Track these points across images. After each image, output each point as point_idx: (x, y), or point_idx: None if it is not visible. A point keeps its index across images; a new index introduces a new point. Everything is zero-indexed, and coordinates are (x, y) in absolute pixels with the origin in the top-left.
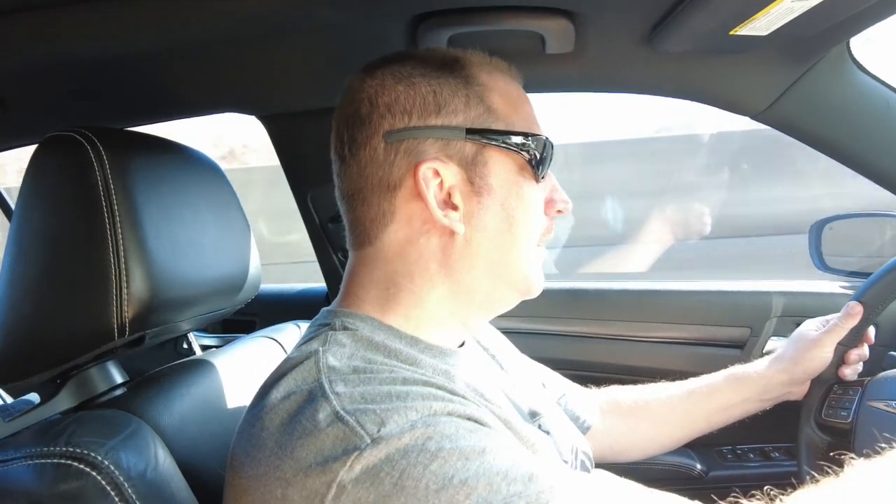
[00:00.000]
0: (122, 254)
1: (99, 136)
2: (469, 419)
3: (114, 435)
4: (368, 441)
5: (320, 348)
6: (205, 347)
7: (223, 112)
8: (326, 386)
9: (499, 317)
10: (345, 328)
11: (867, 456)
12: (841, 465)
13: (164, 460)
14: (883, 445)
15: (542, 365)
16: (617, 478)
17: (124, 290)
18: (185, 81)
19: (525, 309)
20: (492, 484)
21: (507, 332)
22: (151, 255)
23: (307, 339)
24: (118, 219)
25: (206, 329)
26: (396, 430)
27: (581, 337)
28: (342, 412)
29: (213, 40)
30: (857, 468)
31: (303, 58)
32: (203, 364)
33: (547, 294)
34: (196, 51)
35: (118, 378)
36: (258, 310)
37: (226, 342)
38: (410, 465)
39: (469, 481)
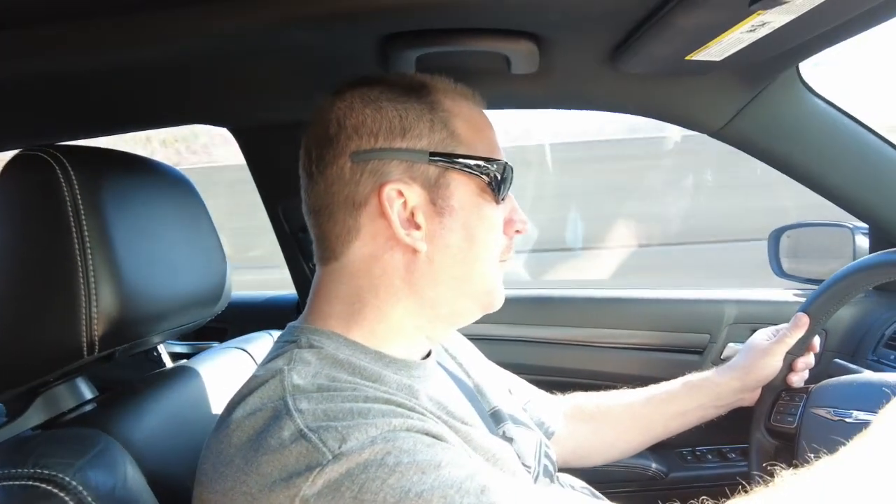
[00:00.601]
0: (91, 272)
1: (67, 154)
2: (427, 434)
3: (82, 454)
4: (330, 457)
5: (285, 367)
6: (176, 355)
7: (195, 123)
8: (291, 404)
9: None
10: (310, 346)
11: (804, 462)
12: (788, 467)
13: (132, 477)
14: (812, 455)
15: (507, 371)
16: (572, 491)
17: (94, 308)
18: (156, 94)
19: (492, 315)
20: (446, 496)
21: (474, 338)
22: (121, 273)
23: (273, 357)
24: (87, 237)
25: (178, 337)
26: (357, 446)
27: (546, 343)
28: (305, 429)
29: (186, 57)
30: (785, 478)
31: (275, 74)
32: (173, 377)
33: (513, 301)
34: (169, 65)
35: (87, 394)
36: (230, 317)
37: (197, 350)
38: (369, 480)
39: (424, 494)
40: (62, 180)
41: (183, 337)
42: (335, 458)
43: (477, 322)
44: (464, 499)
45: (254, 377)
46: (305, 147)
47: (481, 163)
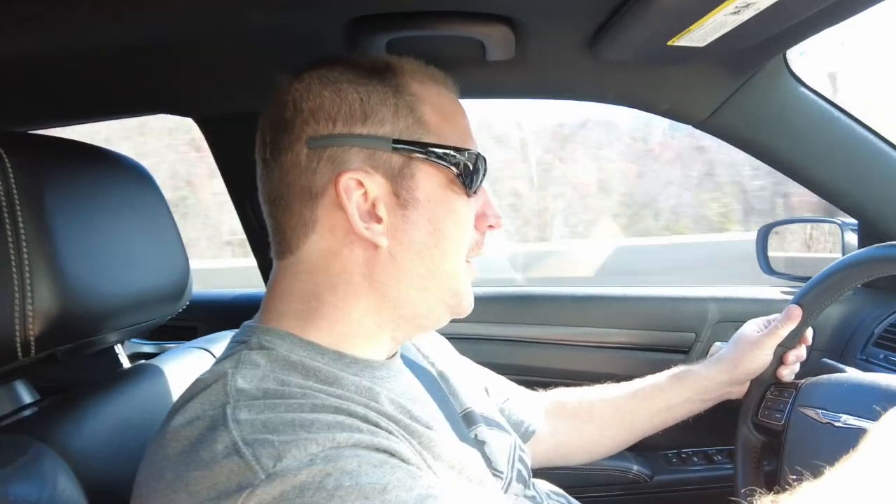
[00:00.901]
0: (25, 266)
1: (3, 140)
2: (377, 450)
3: (7, 463)
4: (263, 477)
5: (230, 370)
6: (142, 356)
7: (156, 113)
8: (229, 413)
9: None
10: (261, 347)
11: (790, 474)
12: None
13: (65, 489)
14: (799, 468)
15: (486, 369)
16: None
17: (28, 306)
18: (113, 81)
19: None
20: None
21: (453, 337)
22: (61, 268)
23: (222, 358)
24: (21, 228)
25: (145, 336)
26: (294, 465)
27: (528, 342)
28: (240, 443)
29: (144, 41)
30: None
31: (237, 59)
32: (126, 380)
33: (494, 298)
34: (124, 51)
35: (26, 398)
36: (200, 315)
37: (163, 350)
38: None
39: None
40: None
41: (152, 336)
42: (268, 479)
43: (458, 321)
44: None
45: (198, 381)
46: (261, 132)
47: (450, 152)
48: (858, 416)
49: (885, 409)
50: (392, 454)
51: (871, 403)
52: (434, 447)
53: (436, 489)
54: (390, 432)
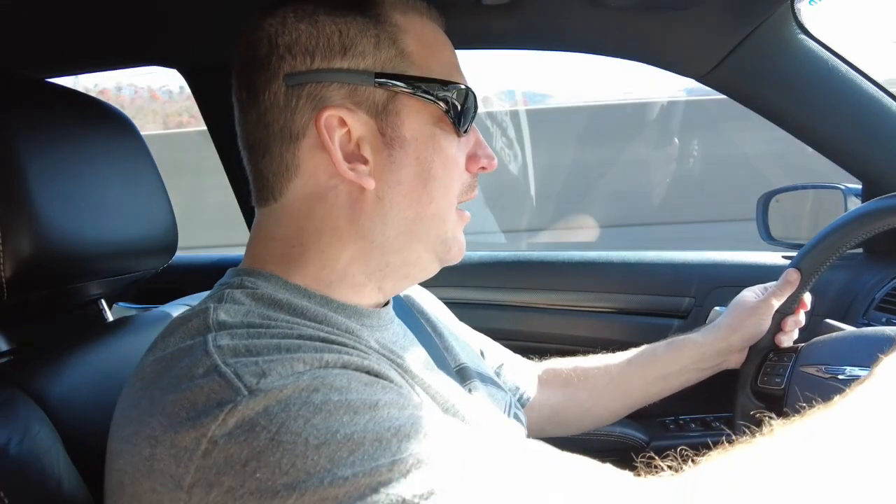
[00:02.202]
0: None
1: None
2: (367, 372)
3: None
4: (245, 393)
5: (212, 305)
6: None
7: (139, 65)
8: (210, 340)
9: (440, 286)
10: (243, 286)
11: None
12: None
13: (39, 434)
14: (804, 405)
15: (482, 334)
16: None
17: (0, 248)
18: (95, 32)
19: (466, 279)
20: (381, 440)
21: (449, 302)
22: (35, 210)
23: (204, 299)
24: None
25: (132, 300)
26: (278, 382)
27: (524, 307)
28: (221, 365)
29: None
30: (772, 430)
31: (221, 7)
32: (108, 331)
33: (491, 263)
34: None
35: (1, 346)
36: (186, 278)
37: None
38: (290, 419)
39: (355, 436)
40: None
41: (138, 300)
42: (251, 394)
43: (451, 286)
44: (403, 443)
45: (177, 317)
46: (235, 73)
47: (436, 86)
48: (864, 367)
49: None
50: (382, 377)
51: (876, 352)
52: (428, 388)
53: (430, 412)
54: (380, 362)
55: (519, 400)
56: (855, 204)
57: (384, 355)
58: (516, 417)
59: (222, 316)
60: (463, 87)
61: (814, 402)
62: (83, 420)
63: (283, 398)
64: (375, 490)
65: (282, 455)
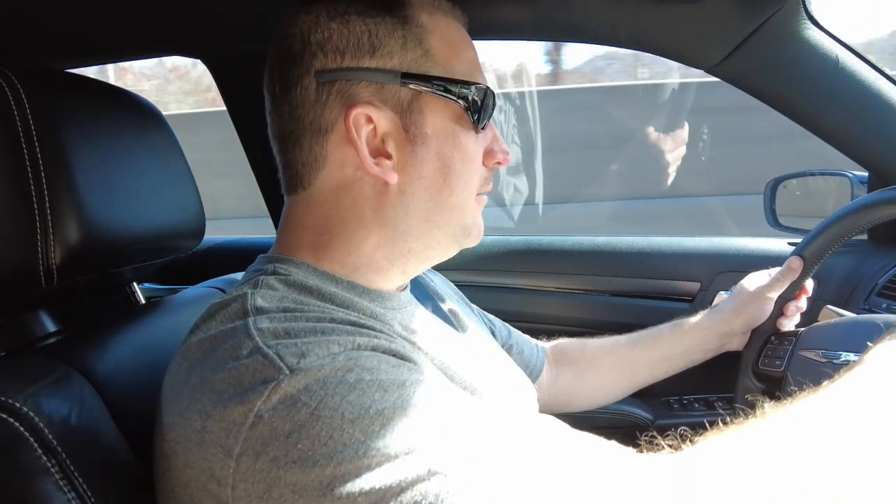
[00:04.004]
0: (46, 197)
1: (18, 73)
2: (394, 355)
3: (37, 381)
4: (287, 372)
5: (249, 291)
6: (152, 297)
7: (163, 55)
8: (251, 323)
9: (452, 269)
10: (276, 273)
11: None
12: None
13: (92, 406)
14: (796, 389)
15: (492, 315)
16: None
17: (51, 235)
18: (120, 21)
19: (477, 263)
20: (408, 416)
21: (462, 285)
22: (81, 199)
23: (239, 284)
24: (41, 161)
25: (157, 281)
26: (317, 362)
27: (533, 290)
28: (263, 346)
29: None
30: (767, 411)
31: None
32: (144, 312)
33: (500, 247)
34: None
35: (51, 327)
36: (212, 261)
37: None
38: (328, 396)
39: (386, 412)
40: (11, 98)
41: (163, 281)
42: (292, 373)
43: (462, 269)
44: (428, 418)
45: (216, 303)
46: (269, 66)
47: (458, 87)
48: (858, 353)
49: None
50: (408, 359)
51: (871, 337)
52: (447, 369)
53: (451, 390)
54: (405, 346)
55: (528, 378)
56: (862, 192)
57: (406, 338)
58: (527, 394)
59: (259, 301)
60: (483, 86)
61: (808, 386)
62: (127, 394)
63: (322, 377)
64: (405, 459)
65: (321, 428)
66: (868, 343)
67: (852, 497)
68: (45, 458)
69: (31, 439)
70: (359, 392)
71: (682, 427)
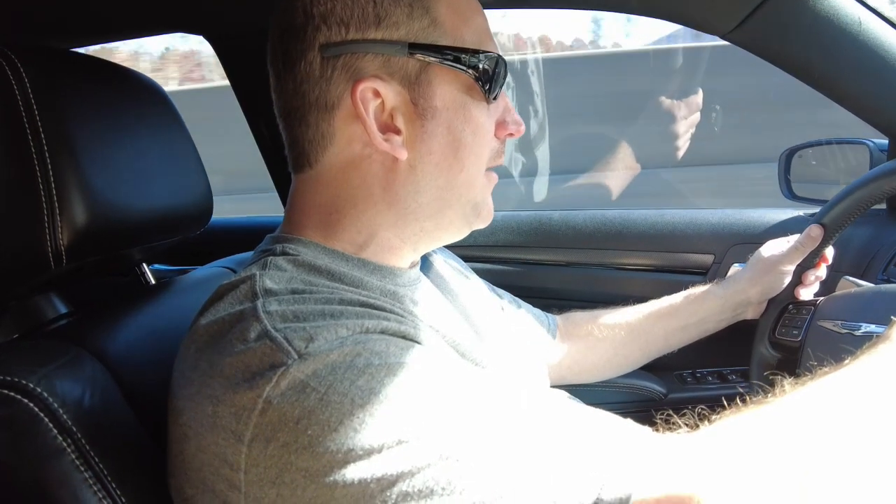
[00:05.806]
0: (51, 178)
1: (18, 53)
2: (404, 337)
3: (49, 362)
4: (296, 357)
5: (258, 272)
6: (161, 278)
7: (166, 32)
8: (259, 306)
9: (461, 245)
10: (285, 253)
11: (807, 373)
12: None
13: (105, 387)
14: (815, 364)
15: (502, 290)
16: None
17: (57, 217)
18: None
19: (489, 237)
20: (418, 398)
21: (474, 260)
22: (86, 180)
23: (247, 265)
24: (45, 142)
25: (167, 262)
26: (325, 347)
27: (545, 264)
28: (272, 330)
29: None
30: (786, 389)
31: None
32: (154, 293)
33: (511, 221)
34: None
35: (62, 309)
36: (218, 241)
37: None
38: (337, 381)
39: (395, 397)
40: (12, 79)
41: (173, 261)
42: (301, 358)
43: (475, 244)
44: (438, 399)
45: (224, 284)
46: (271, 42)
47: (468, 56)
48: (880, 324)
49: None
50: (417, 341)
51: (891, 311)
52: (458, 346)
53: (461, 368)
54: (416, 326)
55: (540, 350)
56: (882, 160)
57: (417, 315)
58: (538, 368)
59: (268, 283)
60: (494, 54)
61: (827, 359)
62: (139, 375)
63: (330, 362)
64: (415, 444)
65: (330, 413)
66: (892, 317)
67: (877, 479)
68: (60, 439)
69: (47, 419)
70: (368, 377)
71: (700, 405)
